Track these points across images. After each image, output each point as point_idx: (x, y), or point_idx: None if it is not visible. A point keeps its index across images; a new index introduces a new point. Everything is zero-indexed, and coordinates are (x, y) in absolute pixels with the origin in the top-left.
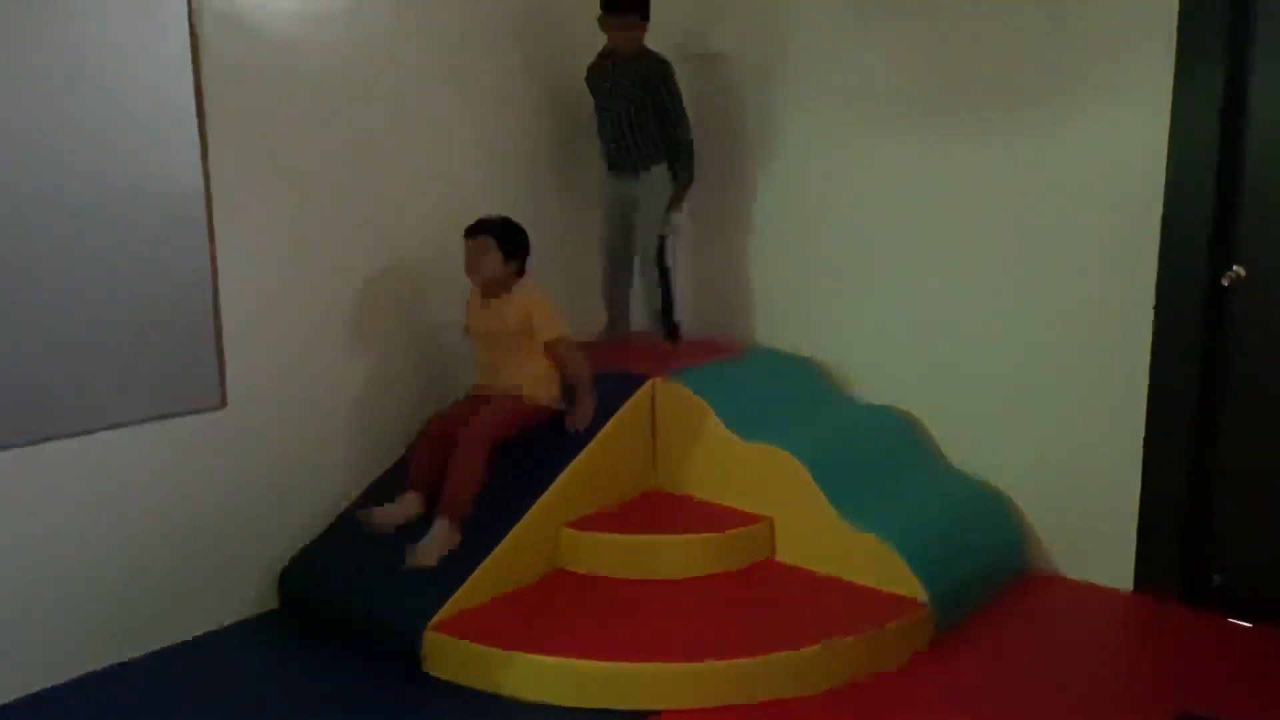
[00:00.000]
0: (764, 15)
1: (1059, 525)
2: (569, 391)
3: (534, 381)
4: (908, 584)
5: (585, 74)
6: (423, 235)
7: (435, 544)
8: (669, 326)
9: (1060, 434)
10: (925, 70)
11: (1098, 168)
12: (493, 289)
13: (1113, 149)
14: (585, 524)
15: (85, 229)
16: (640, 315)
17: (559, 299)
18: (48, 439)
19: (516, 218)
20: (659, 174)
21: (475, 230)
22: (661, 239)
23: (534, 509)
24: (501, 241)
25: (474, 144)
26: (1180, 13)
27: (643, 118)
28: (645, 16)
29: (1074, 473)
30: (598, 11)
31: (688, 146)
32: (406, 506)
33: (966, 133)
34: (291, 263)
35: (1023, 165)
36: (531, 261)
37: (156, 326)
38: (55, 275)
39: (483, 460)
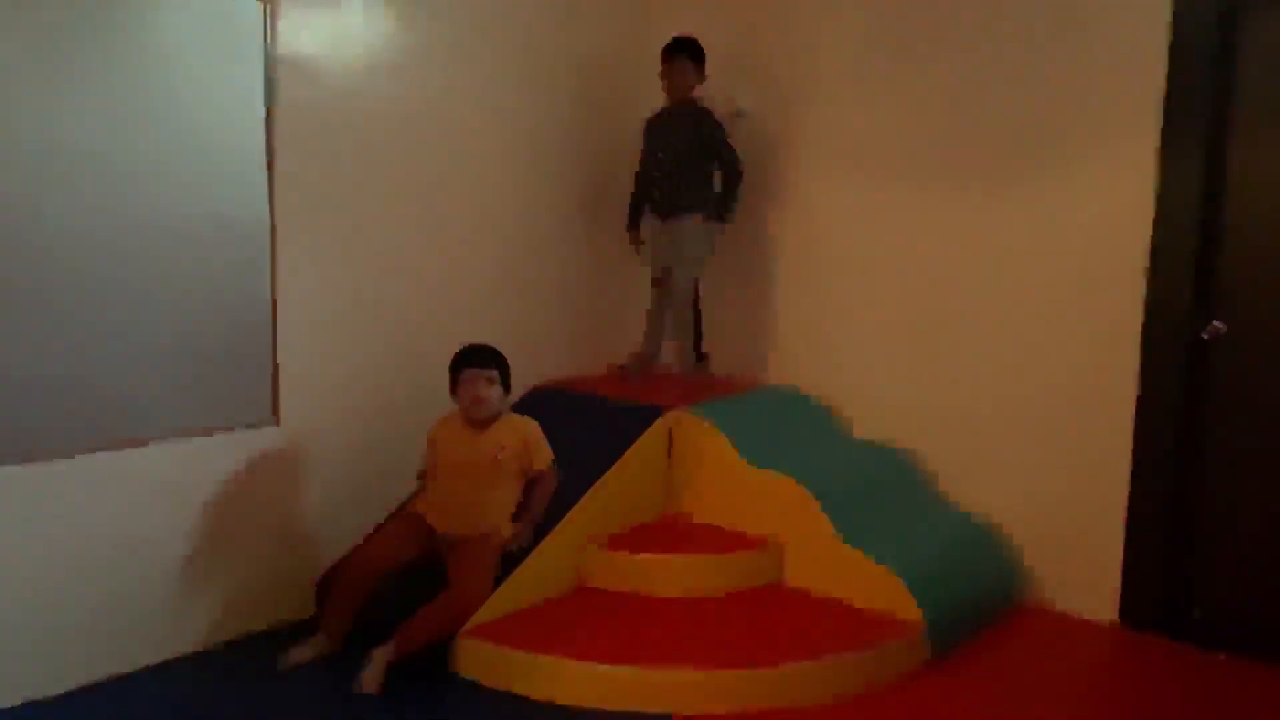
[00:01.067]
0: (781, 78)
1: (1048, 559)
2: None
3: (507, 518)
4: (907, 608)
5: (644, 124)
6: (472, 272)
7: (379, 670)
8: (699, 354)
9: (1050, 472)
10: (930, 131)
11: (1089, 224)
12: (486, 421)
13: (1103, 207)
14: (607, 543)
15: (156, 253)
16: (668, 350)
17: (597, 332)
18: (116, 447)
19: (555, 254)
20: (694, 222)
21: (482, 361)
22: (695, 280)
23: (559, 527)
24: (503, 372)
25: (524, 186)
26: (1168, 87)
27: (688, 164)
28: (694, 59)
29: (1063, 510)
30: (641, 68)
31: (737, 179)
32: (317, 646)
33: (967, 190)
34: (346, 293)
35: (1017, 220)
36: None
37: (218, 346)
38: (125, 293)
39: (462, 625)
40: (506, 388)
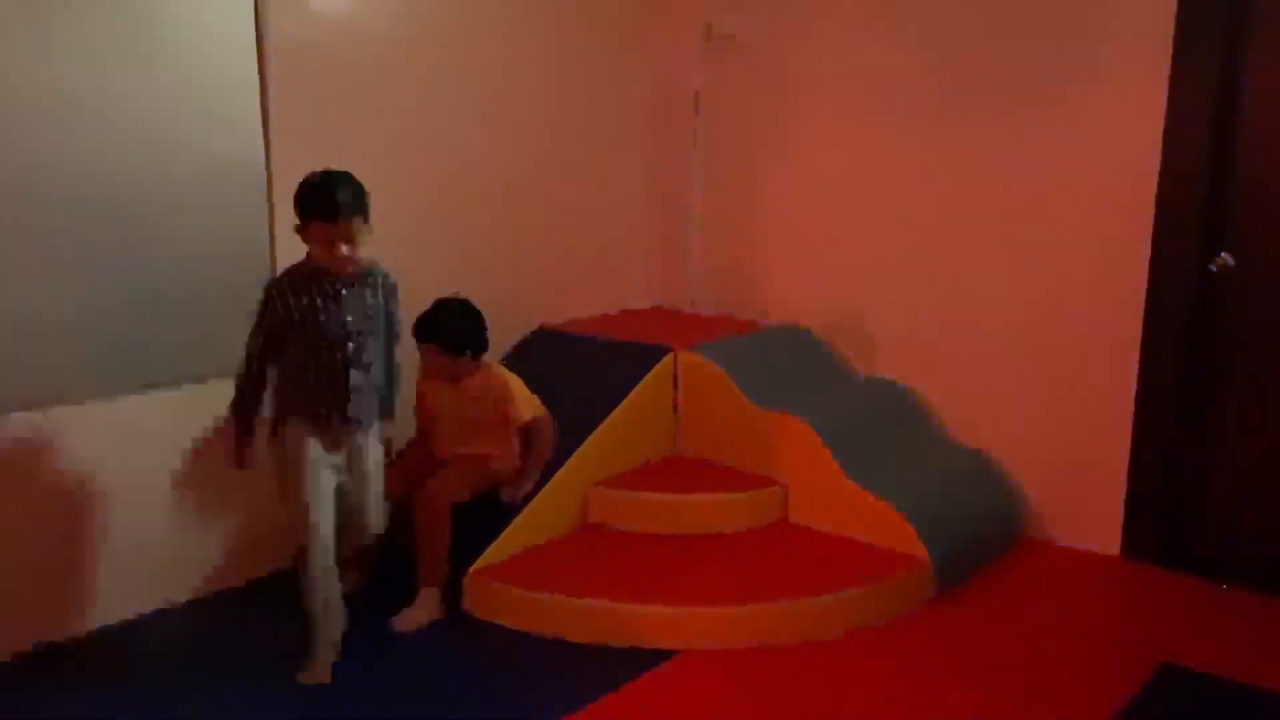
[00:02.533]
0: (778, 3)
1: (1051, 494)
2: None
3: (504, 456)
4: (911, 544)
5: None
6: (475, 213)
7: (421, 611)
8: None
9: (1054, 408)
10: (930, 59)
11: (1095, 154)
12: (455, 379)
13: (1110, 137)
14: (612, 483)
15: (152, 198)
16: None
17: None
18: (113, 395)
19: (566, 191)
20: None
21: (424, 335)
22: None
23: (564, 468)
24: (448, 346)
25: (527, 124)
26: (1179, 8)
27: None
28: (449, 348)
29: (1066, 446)
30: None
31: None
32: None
33: (969, 119)
34: None
35: (1023, 152)
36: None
37: (216, 293)
38: (119, 240)
39: (446, 525)
40: (463, 349)
